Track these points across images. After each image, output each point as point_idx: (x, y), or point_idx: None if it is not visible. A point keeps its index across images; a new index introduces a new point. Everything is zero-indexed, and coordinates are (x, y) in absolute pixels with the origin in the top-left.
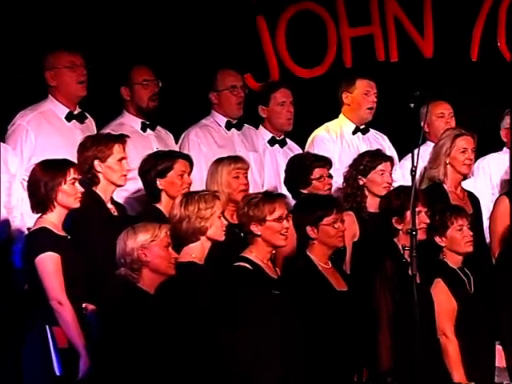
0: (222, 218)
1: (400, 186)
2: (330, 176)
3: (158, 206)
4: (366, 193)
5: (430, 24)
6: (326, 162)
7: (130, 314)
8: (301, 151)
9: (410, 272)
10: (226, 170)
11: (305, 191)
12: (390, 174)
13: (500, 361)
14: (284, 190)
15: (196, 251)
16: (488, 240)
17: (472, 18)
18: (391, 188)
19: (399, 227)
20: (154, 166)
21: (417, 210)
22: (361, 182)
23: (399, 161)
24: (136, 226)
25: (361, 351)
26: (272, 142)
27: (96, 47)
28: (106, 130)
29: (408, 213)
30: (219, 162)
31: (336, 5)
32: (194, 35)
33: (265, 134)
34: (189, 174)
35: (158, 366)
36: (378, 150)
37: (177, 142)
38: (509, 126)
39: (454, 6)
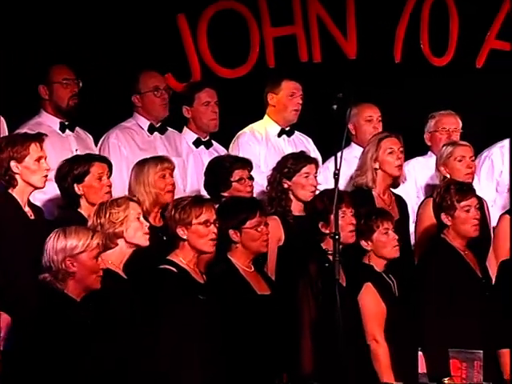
0: (140, 220)
1: (324, 190)
2: (251, 178)
3: (79, 210)
4: (291, 196)
5: (353, 25)
6: (246, 164)
7: (54, 323)
8: (226, 152)
9: (335, 276)
10: (153, 170)
11: (225, 194)
12: (315, 176)
13: (422, 367)
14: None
15: (113, 257)
16: (413, 243)
17: (395, 19)
18: (316, 191)
19: (326, 231)
20: (71, 171)
21: (341, 211)
22: (285, 186)
23: (323, 163)
24: (67, 230)
25: (282, 355)
26: (197, 143)
27: (12, 44)
28: (23, 130)
29: (332, 216)
30: (144, 162)
31: (258, 4)
32: (115, 34)
33: (189, 135)
34: (108, 176)
35: (79, 372)
36: (302, 152)
37: (96, 144)
38: (433, 130)
39: (376, 7)
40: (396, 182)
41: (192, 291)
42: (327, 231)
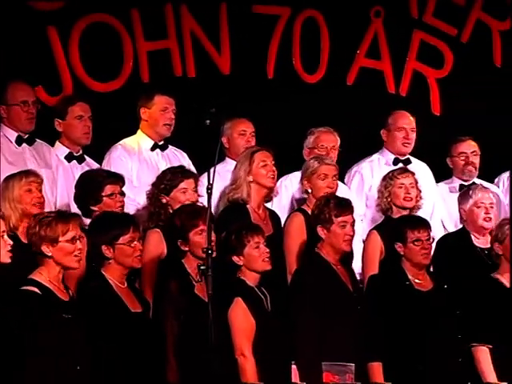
0: (4, 238)
1: (182, 206)
2: (123, 193)
3: None
4: (170, 211)
5: (226, 40)
6: (118, 179)
7: None
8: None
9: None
10: (18, 184)
11: (95, 208)
12: (194, 190)
13: (294, 379)
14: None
15: None
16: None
17: (268, 35)
18: None
19: (185, 249)
20: None
21: (199, 229)
22: (164, 201)
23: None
24: None
25: (152, 371)
26: (69, 157)
27: None
28: None
29: (191, 234)
30: (10, 178)
31: (131, 18)
32: None
33: (61, 150)
34: None
35: None
36: (181, 167)
37: None
38: (311, 146)
39: (250, 23)
40: (269, 195)
41: (55, 310)
42: (186, 248)
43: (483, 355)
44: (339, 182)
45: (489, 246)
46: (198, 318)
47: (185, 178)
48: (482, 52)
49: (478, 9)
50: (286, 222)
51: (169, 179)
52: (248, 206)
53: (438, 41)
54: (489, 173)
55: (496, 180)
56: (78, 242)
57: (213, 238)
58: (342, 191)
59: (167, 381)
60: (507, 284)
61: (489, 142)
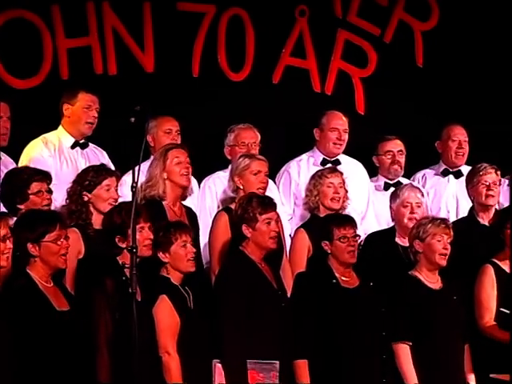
0: None
1: (121, 203)
2: (50, 191)
3: None
4: (92, 209)
5: (150, 38)
6: (44, 177)
7: None
8: (15, 165)
9: (130, 290)
10: None
11: (22, 206)
12: (116, 189)
13: (219, 379)
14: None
15: None
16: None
17: (193, 33)
18: (114, 201)
19: (123, 245)
20: None
21: (139, 226)
22: (85, 198)
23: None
24: None
25: (80, 371)
26: None
27: None
28: None
29: (130, 230)
30: None
31: (51, 14)
32: None
33: None
34: None
35: None
36: (103, 165)
37: None
38: (232, 144)
39: (174, 20)
40: (184, 194)
41: None
42: (124, 245)
43: (403, 352)
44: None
45: None
46: (133, 317)
47: (108, 176)
48: (404, 52)
49: (401, 9)
50: (212, 221)
51: (92, 176)
52: (164, 203)
53: (362, 40)
54: (413, 172)
55: (411, 179)
56: (7, 241)
57: (151, 236)
58: (271, 189)
59: (98, 381)
60: (425, 281)
61: (414, 141)
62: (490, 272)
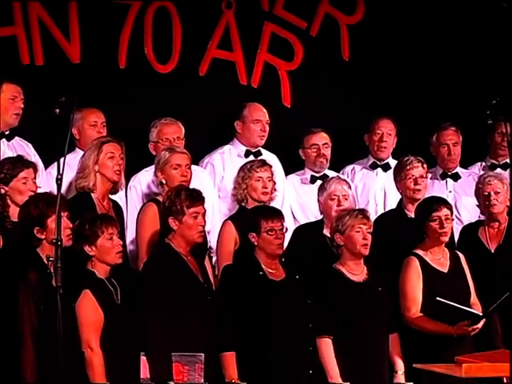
0: None
1: (37, 194)
2: None
3: None
4: (9, 202)
5: (76, 29)
6: None
7: None
8: None
9: (54, 283)
10: None
11: None
12: (34, 181)
13: (144, 372)
14: None
15: None
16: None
17: (119, 24)
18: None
19: (42, 237)
20: None
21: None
22: (2, 191)
23: (46, 169)
24: None
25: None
26: None
27: None
28: None
29: (49, 221)
30: None
31: None
32: None
33: None
34: None
35: None
36: (19, 157)
37: None
38: (155, 140)
39: (100, 11)
40: (115, 188)
41: None
42: (43, 236)
43: (325, 347)
44: (200, 168)
45: None
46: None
47: (25, 168)
48: (330, 45)
49: (327, 3)
50: (139, 212)
51: (8, 168)
52: (93, 195)
53: (288, 33)
54: (340, 164)
55: (340, 172)
56: None
57: (70, 225)
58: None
59: (24, 381)
60: (348, 274)
61: (342, 134)
62: (415, 264)
